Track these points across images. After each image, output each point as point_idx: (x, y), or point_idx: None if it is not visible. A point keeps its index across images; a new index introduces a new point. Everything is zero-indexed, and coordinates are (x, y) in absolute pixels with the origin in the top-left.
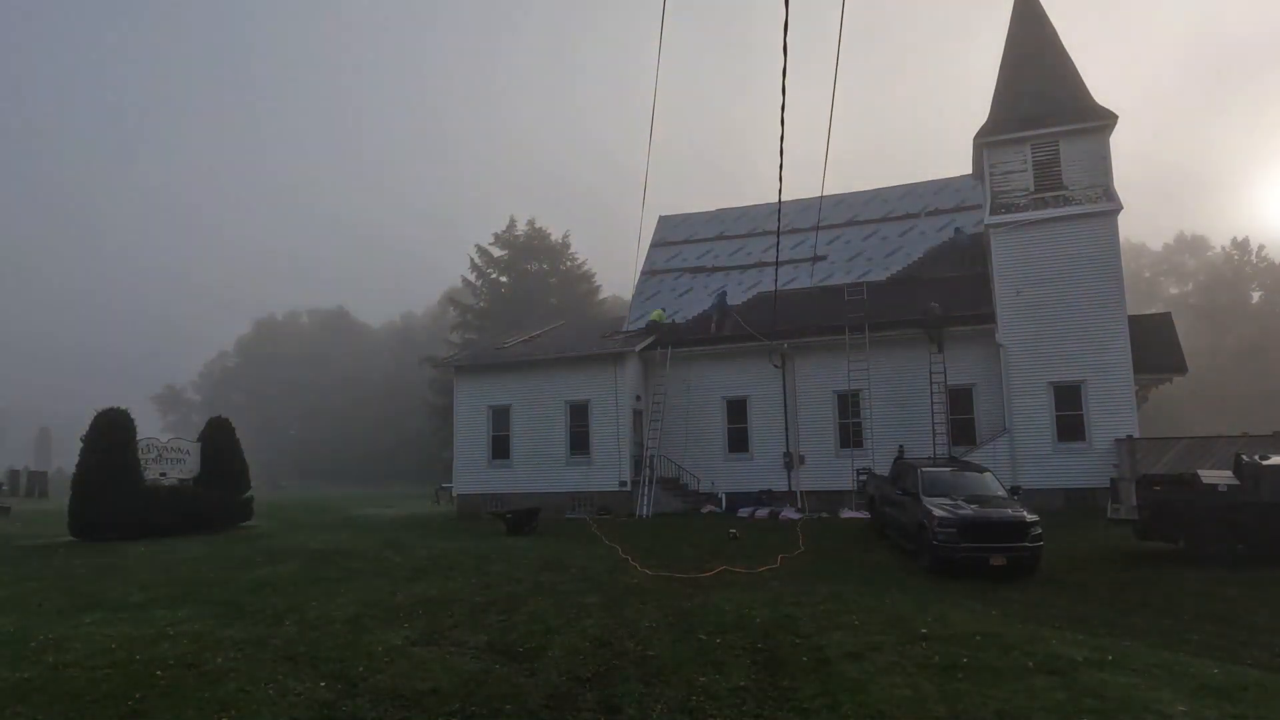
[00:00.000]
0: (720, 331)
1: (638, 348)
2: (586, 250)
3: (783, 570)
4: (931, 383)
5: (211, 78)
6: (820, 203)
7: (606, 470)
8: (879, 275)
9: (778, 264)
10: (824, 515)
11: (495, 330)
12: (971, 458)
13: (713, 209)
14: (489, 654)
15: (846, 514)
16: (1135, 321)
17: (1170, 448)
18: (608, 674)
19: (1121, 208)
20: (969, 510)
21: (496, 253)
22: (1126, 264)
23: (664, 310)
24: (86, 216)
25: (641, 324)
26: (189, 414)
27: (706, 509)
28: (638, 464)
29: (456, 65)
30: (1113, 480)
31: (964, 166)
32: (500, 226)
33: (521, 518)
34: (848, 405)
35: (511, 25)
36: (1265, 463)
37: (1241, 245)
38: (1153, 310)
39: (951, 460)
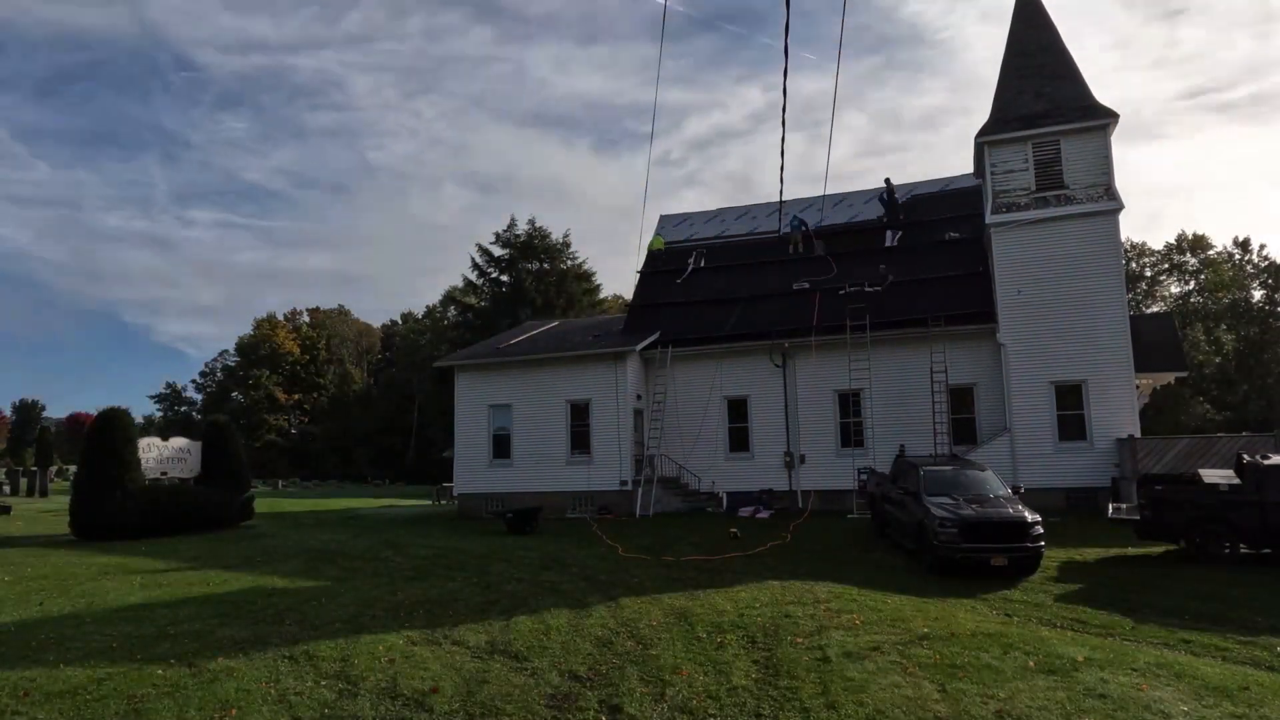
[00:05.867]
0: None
1: (638, 347)
2: (586, 249)
3: (784, 570)
4: (932, 382)
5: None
6: (822, 201)
7: (607, 470)
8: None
9: (780, 261)
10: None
11: (496, 330)
12: (972, 457)
13: (714, 208)
14: (489, 654)
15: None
16: (1135, 321)
17: (1171, 447)
18: (608, 674)
19: (1123, 207)
20: (970, 510)
21: (497, 252)
22: (1126, 263)
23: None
24: (86, 215)
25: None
26: (189, 414)
27: (712, 509)
28: (638, 463)
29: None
30: (1114, 480)
31: (965, 165)
32: (501, 225)
33: (522, 517)
34: (848, 404)
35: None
36: (1266, 463)
37: (1243, 244)
38: (1153, 310)
39: (952, 459)
